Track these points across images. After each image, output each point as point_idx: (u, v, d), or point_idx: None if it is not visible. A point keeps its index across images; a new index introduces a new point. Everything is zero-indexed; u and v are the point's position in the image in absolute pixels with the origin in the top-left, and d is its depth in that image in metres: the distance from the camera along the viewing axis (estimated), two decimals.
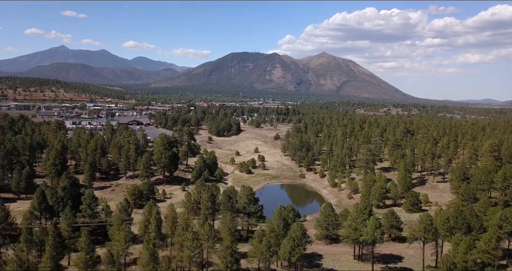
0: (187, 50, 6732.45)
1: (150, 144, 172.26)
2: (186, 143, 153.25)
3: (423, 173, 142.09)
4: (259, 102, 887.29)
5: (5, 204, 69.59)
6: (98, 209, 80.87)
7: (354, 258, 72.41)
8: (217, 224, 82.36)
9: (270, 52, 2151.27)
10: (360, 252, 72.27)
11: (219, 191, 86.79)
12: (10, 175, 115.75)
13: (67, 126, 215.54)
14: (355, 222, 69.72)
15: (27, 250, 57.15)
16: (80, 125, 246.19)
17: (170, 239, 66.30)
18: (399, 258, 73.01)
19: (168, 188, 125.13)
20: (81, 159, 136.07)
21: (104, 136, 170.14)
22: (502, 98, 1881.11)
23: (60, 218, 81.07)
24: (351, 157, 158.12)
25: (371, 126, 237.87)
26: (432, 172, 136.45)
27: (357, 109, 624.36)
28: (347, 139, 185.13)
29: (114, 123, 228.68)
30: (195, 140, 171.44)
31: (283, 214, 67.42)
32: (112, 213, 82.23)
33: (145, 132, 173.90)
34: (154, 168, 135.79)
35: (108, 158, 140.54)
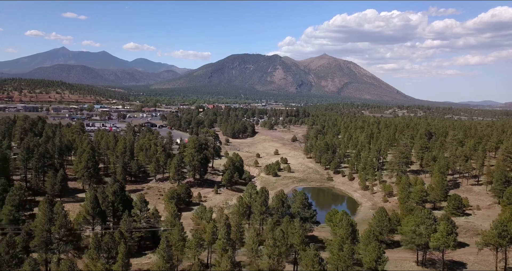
0: (187, 51, 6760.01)
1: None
2: (212, 145, 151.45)
3: (455, 176, 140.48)
4: (262, 104, 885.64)
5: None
6: (148, 214, 79.00)
7: (417, 264, 70.63)
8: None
9: (270, 53, 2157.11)
10: (424, 258, 70.54)
11: (268, 195, 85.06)
12: (43, 178, 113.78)
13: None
14: (419, 227, 68.05)
15: (97, 257, 55.35)
16: (95, 127, 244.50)
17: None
18: (462, 265, 71.18)
19: (201, 191, 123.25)
20: (110, 162, 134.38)
21: (126, 138, 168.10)
22: (502, 100, 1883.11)
23: (110, 224, 79.58)
24: (379, 160, 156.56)
25: (388, 128, 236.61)
26: (465, 175, 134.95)
27: (362, 111, 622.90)
28: (370, 141, 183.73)
29: (134, 125, 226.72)
30: (221, 143, 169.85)
31: (350, 220, 65.69)
32: (161, 217, 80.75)
33: (171, 134, 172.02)
34: (184, 170, 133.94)
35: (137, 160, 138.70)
